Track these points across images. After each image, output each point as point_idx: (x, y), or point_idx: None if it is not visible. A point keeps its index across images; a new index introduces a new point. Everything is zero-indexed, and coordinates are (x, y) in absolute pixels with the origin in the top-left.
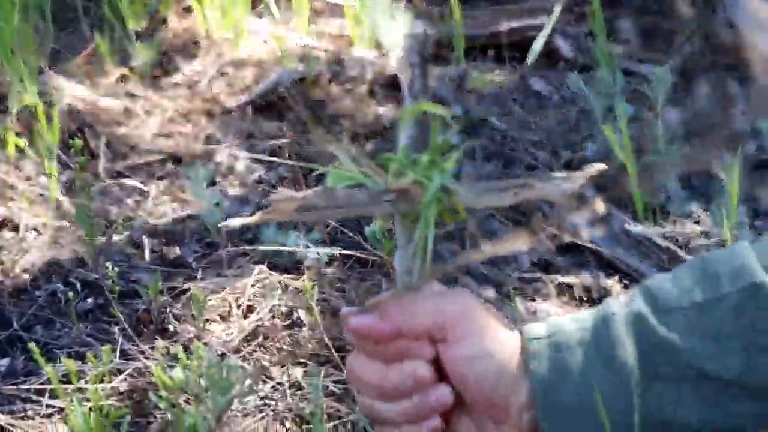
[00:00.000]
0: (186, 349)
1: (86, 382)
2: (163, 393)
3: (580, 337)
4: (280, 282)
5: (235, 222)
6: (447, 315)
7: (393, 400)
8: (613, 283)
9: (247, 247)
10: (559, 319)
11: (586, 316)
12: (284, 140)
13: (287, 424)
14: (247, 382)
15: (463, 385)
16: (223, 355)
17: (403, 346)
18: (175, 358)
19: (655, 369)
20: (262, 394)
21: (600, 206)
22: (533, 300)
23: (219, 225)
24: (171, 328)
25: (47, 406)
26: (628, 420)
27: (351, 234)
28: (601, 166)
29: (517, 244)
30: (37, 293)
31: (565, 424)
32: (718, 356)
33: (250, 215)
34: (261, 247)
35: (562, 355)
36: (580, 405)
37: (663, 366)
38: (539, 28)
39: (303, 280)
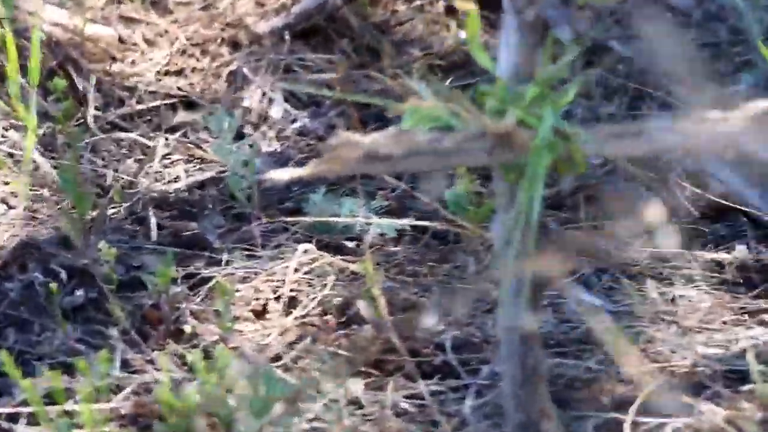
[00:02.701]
0: (207, 356)
1: (76, 402)
2: (173, 419)
3: None
4: (331, 265)
5: (280, 174)
6: None
7: None
8: None
9: (287, 219)
10: None
11: None
12: (334, 75)
13: None
14: (292, 398)
15: None
16: (258, 364)
17: None
18: (192, 369)
19: None
20: (310, 415)
21: None
22: (671, 284)
23: (255, 178)
24: (188, 328)
25: None
26: None
27: (425, 200)
28: (766, 103)
29: (651, 215)
30: (8, 285)
31: None
32: None
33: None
34: (306, 219)
35: None
36: None
37: None
38: None
39: (363, 262)
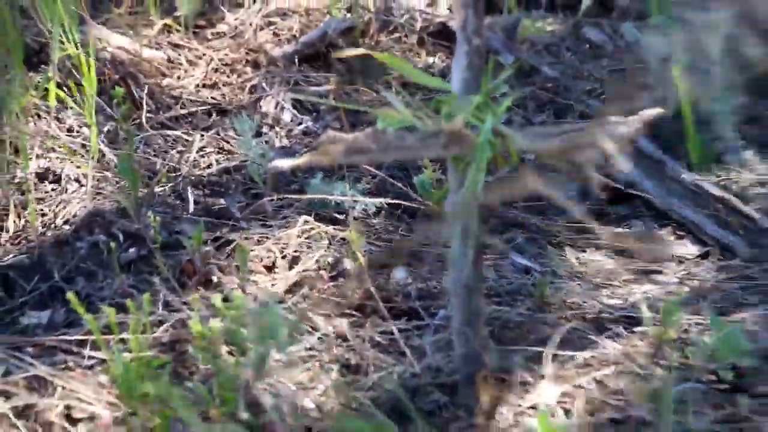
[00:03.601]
0: (227, 299)
1: (128, 333)
2: (202, 344)
3: None
4: (326, 232)
5: (283, 163)
6: None
7: None
8: (666, 233)
9: (292, 197)
10: None
11: None
12: (331, 88)
13: (333, 374)
14: (289, 330)
15: None
16: (267, 306)
17: None
18: (216, 308)
19: None
20: (307, 345)
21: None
22: (584, 251)
23: (266, 169)
24: (215, 279)
25: (89, 357)
26: None
27: (399, 184)
28: (657, 111)
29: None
30: (79, 244)
31: None
32: None
33: None
34: (307, 197)
35: None
36: None
37: None
38: None
39: (349, 231)
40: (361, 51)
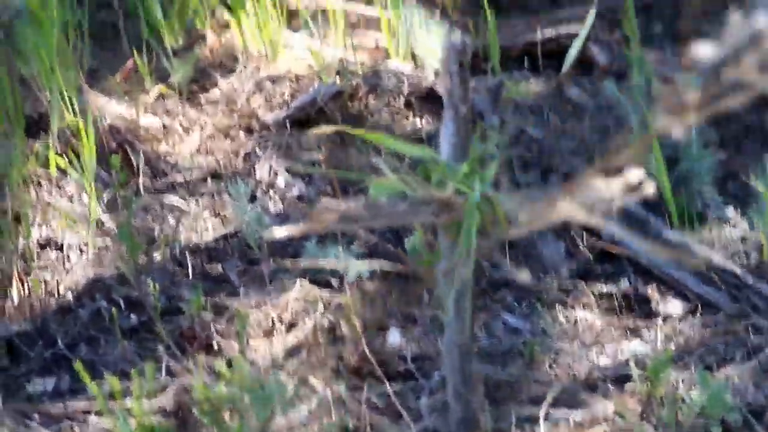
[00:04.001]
0: (230, 365)
1: (131, 400)
2: (206, 407)
3: None
4: (321, 297)
5: (279, 232)
6: None
7: None
8: (651, 290)
9: (288, 260)
10: None
11: None
12: (322, 158)
13: None
14: (289, 394)
15: None
16: (267, 371)
17: None
18: (219, 374)
19: None
20: (306, 408)
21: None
22: (573, 309)
23: (262, 235)
24: (215, 344)
25: (94, 424)
26: None
27: (391, 247)
28: (639, 173)
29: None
30: (81, 312)
31: None
32: None
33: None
34: (302, 262)
35: None
36: None
37: None
38: (574, 37)
39: (344, 295)
40: (338, 128)
